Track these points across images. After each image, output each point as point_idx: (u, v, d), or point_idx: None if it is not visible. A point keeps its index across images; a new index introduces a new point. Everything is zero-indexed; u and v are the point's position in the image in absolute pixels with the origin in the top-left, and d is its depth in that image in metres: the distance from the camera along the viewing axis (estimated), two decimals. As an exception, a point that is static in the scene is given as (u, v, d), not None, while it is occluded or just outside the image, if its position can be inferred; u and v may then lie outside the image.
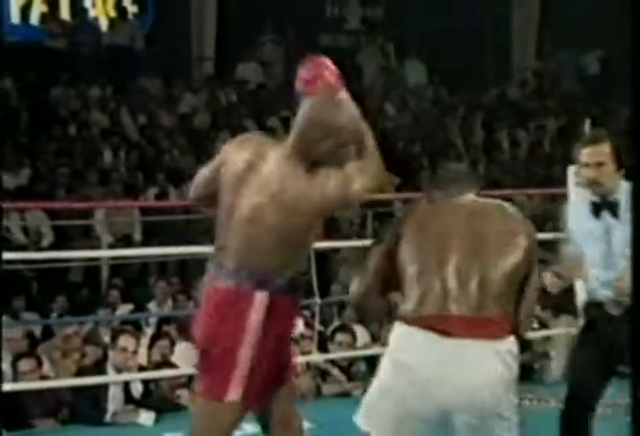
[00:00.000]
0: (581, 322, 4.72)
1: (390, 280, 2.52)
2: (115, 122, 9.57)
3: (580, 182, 3.24)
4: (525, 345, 5.89)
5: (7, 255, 5.29)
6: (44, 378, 4.86)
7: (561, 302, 6.18)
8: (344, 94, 2.64)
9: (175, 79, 10.58)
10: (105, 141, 9.11)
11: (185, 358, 5.39)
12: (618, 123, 9.92)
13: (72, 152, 8.76)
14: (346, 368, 5.38)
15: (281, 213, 2.58)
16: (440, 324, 2.40)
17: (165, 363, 5.20)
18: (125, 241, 7.96)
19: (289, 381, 2.79)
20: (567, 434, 3.24)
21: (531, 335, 5.92)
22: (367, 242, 2.87)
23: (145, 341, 5.45)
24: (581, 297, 3.91)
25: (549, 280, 6.12)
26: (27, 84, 9.56)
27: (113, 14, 11.51)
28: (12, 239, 7.51)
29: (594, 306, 3.28)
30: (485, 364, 2.40)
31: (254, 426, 4.27)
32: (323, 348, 5.35)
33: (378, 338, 5.93)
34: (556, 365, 5.84)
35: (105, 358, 5.07)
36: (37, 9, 11.20)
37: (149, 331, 6.02)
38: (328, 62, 2.66)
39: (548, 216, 9.23)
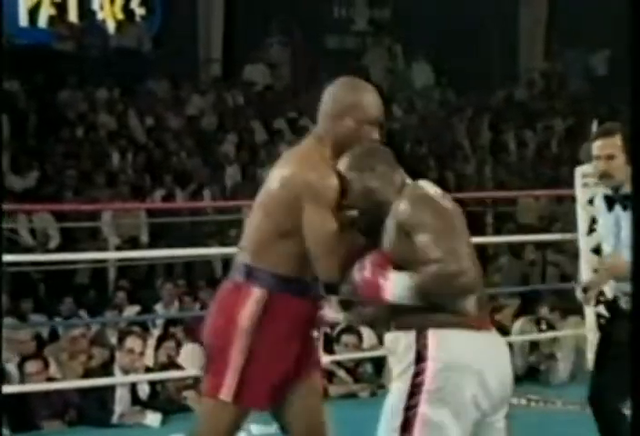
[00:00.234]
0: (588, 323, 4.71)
1: None
2: (123, 124, 9.58)
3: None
4: (531, 346, 5.91)
5: (15, 257, 5.31)
6: (50, 379, 4.87)
7: (568, 304, 6.17)
8: None
9: (183, 81, 10.59)
10: (112, 143, 9.13)
11: (191, 359, 5.39)
12: (626, 123, 9.89)
13: (79, 154, 8.78)
14: (353, 369, 5.38)
15: (262, 211, 2.63)
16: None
17: (172, 365, 5.21)
18: (132, 242, 7.97)
19: (314, 392, 2.73)
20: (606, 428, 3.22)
21: (538, 337, 5.92)
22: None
23: (151, 342, 5.45)
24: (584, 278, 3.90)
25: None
26: (35, 87, 9.59)
27: (120, 16, 11.54)
28: (19, 241, 7.53)
29: (609, 301, 3.29)
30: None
31: (260, 427, 4.30)
32: (329, 349, 5.35)
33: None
34: (563, 367, 5.82)
35: (111, 359, 5.08)
36: (45, 12, 11.23)
37: (156, 332, 6.03)
38: None
39: (555, 217, 9.23)
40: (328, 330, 5.48)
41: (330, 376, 5.33)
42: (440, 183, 2.68)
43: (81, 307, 7.06)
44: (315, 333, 2.78)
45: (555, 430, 4.40)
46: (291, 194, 2.57)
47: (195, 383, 5.01)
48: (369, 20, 12.99)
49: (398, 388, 2.35)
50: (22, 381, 4.77)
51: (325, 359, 5.26)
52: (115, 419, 4.73)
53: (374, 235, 2.46)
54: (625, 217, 3.12)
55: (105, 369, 4.96)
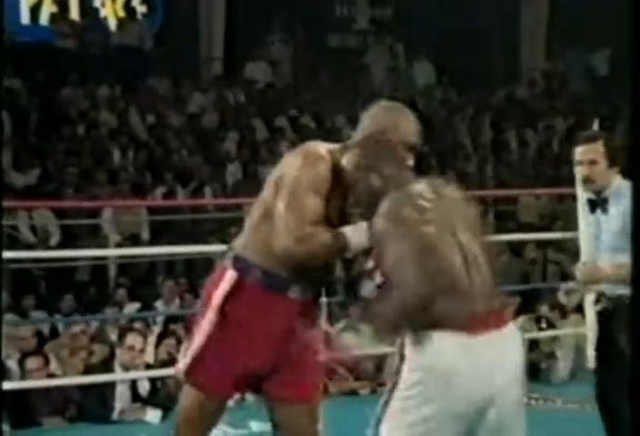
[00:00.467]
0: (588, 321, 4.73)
1: None
2: (124, 122, 9.59)
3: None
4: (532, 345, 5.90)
5: (16, 254, 5.32)
6: (51, 376, 4.88)
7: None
8: None
9: (184, 79, 10.59)
10: (113, 140, 9.13)
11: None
12: (627, 122, 9.90)
13: (80, 151, 8.78)
14: (353, 366, 5.38)
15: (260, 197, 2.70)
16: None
17: (172, 362, 5.21)
18: (133, 240, 7.97)
19: (305, 399, 2.72)
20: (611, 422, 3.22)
21: (538, 335, 5.92)
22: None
23: (152, 339, 5.46)
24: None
25: None
26: (37, 84, 9.59)
27: (122, 14, 11.54)
28: (20, 238, 7.53)
29: (595, 301, 3.33)
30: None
31: (260, 424, 4.30)
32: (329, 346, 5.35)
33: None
34: (563, 365, 5.83)
35: (112, 356, 5.09)
36: (47, 9, 11.24)
37: (156, 329, 6.04)
38: None
39: (557, 216, 9.23)
40: (328, 328, 5.48)
41: (330, 373, 5.34)
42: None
43: (81, 304, 7.06)
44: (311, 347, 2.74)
45: (555, 428, 4.40)
46: (276, 176, 2.64)
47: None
48: (371, 19, 12.98)
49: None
50: (22, 377, 4.78)
51: (326, 356, 5.27)
52: (115, 415, 4.74)
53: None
54: (604, 220, 3.17)
55: (106, 365, 4.97)
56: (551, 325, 6.01)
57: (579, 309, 5.36)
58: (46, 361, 4.88)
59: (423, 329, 2.32)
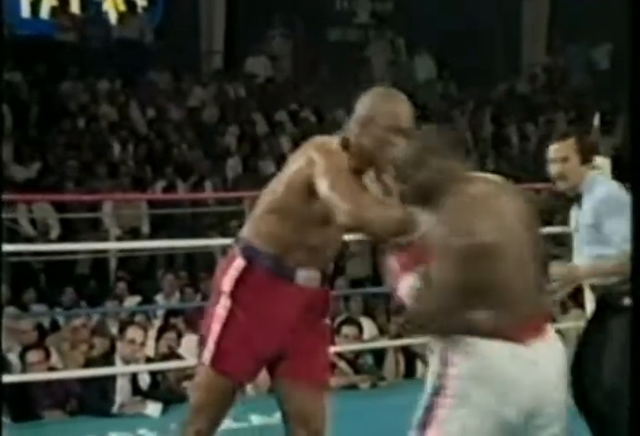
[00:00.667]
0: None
1: None
2: (124, 115, 9.59)
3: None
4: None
5: (16, 247, 5.32)
6: (52, 369, 4.88)
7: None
8: None
9: (184, 73, 10.59)
10: (113, 134, 9.13)
11: (191, 350, 5.40)
12: (627, 116, 9.90)
13: (81, 145, 8.79)
14: (353, 361, 5.39)
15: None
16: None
17: (172, 355, 5.23)
18: (133, 233, 7.98)
19: (313, 381, 2.74)
20: None
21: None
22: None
23: (152, 333, 5.47)
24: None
25: None
26: (37, 78, 9.58)
27: (122, 8, 11.53)
28: (20, 231, 7.54)
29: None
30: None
31: (261, 418, 4.31)
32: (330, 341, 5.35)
33: (385, 331, 5.94)
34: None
35: (112, 349, 5.09)
36: (47, 3, 11.23)
37: (157, 323, 6.04)
38: None
39: (556, 210, 9.23)
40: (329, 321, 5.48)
41: (330, 367, 5.34)
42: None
43: (82, 297, 7.07)
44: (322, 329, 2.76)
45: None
46: (292, 170, 2.62)
47: (195, 374, 5.02)
48: (371, 12, 12.97)
49: (427, 387, 2.36)
50: (23, 370, 4.78)
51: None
52: (115, 409, 4.74)
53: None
54: (580, 215, 3.20)
55: (106, 359, 4.97)
56: (552, 320, 6.00)
57: (580, 304, 5.36)
58: (47, 355, 4.89)
59: (473, 335, 2.29)
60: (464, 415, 2.29)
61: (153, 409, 4.71)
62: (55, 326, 6.23)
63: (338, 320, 5.65)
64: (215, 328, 2.70)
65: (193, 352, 5.33)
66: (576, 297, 5.86)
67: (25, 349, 4.92)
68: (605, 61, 12.68)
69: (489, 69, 12.35)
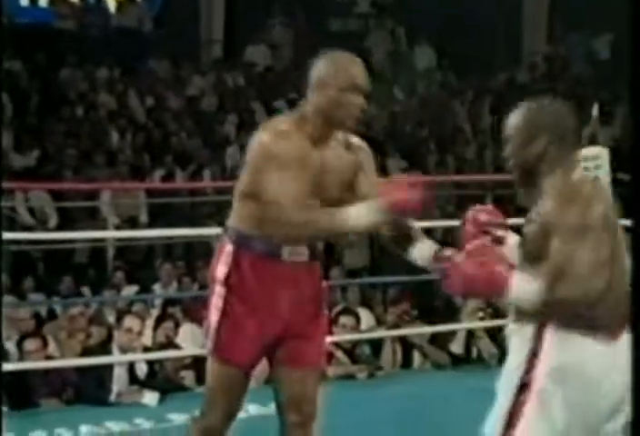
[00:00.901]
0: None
1: None
2: (123, 104, 9.56)
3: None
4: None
5: (14, 235, 5.31)
6: (49, 358, 4.88)
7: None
8: None
9: (183, 61, 10.56)
10: (112, 123, 9.11)
11: (189, 339, 5.41)
12: (627, 106, 9.88)
13: (79, 133, 8.77)
14: (350, 351, 5.39)
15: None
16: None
17: (170, 344, 5.23)
18: (131, 222, 7.97)
19: (307, 364, 2.75)
20: None
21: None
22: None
23: (150, 322, 5.47)
24: None
25: None
26: (36, 66, 9.56)
27: (121, -5, 11.49)
28: (18, 220, 7.53)
29: None
30: None
31: (258, 408, 4.31)
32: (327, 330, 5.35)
33: (382, 321, 5.94)
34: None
35: (110, 338, 5.09)
36: (46, -9, 11.19)
37: (154, 312, 6.04)
38: None
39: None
40: (326, 311, 5.48)
41: (328, 357, 5.35)
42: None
43: (80, 286, 7.07)
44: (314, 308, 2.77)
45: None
46: (249, 156, 2.77)
47: (193, 363, 5.02)
48: (372, 2, 12.92)
49: (511, 379, 2.29)
50: (21, 358, 4.78)
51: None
52: (112, 397, 4.74)
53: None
54: None
55: (104, 348, 4.97)
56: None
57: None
58: (45, 343, 4.89)
59: (574, 329, 2.25)
60: (560, 409, 2.24)
61: (150, 398, 4.72)
62: (52, 315, 6.23)
63: (335, 310, 5.65)
64: (214, 317, 2.72)
65: (190, 342, 5.36)
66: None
67: (23, 337, 4.92)
68: (605, 51, 12.65)
69: (489, 58, 12.31)
